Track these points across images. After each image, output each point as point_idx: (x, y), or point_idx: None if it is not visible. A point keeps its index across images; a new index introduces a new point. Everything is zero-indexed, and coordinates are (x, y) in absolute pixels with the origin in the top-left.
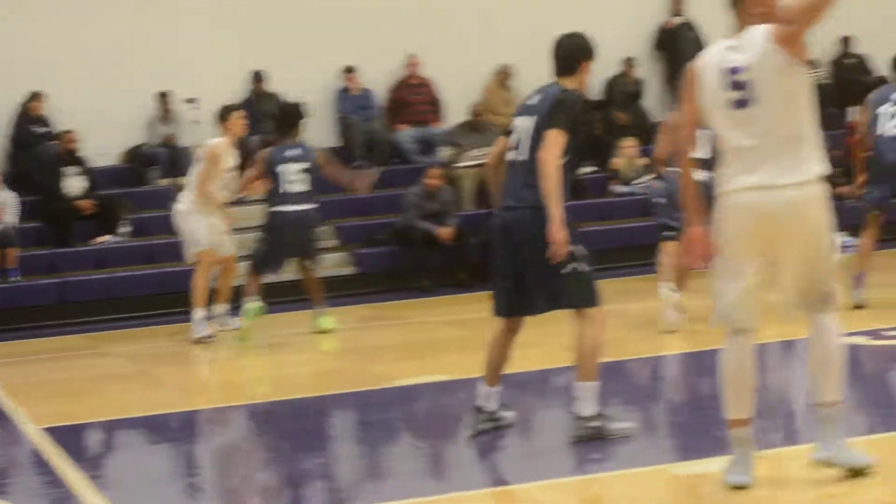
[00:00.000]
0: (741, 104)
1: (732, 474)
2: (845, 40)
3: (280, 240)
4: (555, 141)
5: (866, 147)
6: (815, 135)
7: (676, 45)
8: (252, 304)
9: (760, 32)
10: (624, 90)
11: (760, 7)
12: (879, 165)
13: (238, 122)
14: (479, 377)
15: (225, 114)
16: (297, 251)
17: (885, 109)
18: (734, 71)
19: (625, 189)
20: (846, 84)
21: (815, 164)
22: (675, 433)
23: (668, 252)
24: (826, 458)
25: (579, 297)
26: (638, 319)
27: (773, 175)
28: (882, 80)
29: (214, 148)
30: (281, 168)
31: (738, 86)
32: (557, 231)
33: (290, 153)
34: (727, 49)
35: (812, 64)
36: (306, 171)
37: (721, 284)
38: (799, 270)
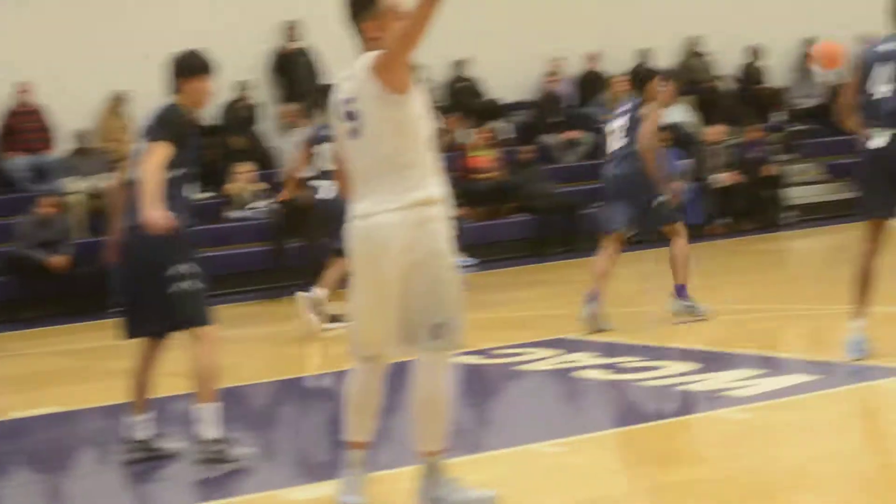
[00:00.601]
0: (354, 134)
1: (345, 495)
2: (459, 63)
3: None
4: (154, 151)
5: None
6: (425, 162)
7: (293, 70)
8: None
9: (364, 60)
10: (239, 115)
11: (379, 32)
12: (609, 181)
13: None
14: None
15: None
16: None
17: (611, 125)
18: (346, 101)
19: (239, 214)
20: (460, 107)
21: (419, 190)
22: (292, 458)
23: (332, 262)
24: None
25: (189, 316)
26: (255, 344)
27: (373, 203)
28: (493, 103)
29: None
30: None
31: (350, 116)
32: (150, 214)
33: None
34: (343, 79)
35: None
36: None
37: (352, 310)
38: (407, 299)
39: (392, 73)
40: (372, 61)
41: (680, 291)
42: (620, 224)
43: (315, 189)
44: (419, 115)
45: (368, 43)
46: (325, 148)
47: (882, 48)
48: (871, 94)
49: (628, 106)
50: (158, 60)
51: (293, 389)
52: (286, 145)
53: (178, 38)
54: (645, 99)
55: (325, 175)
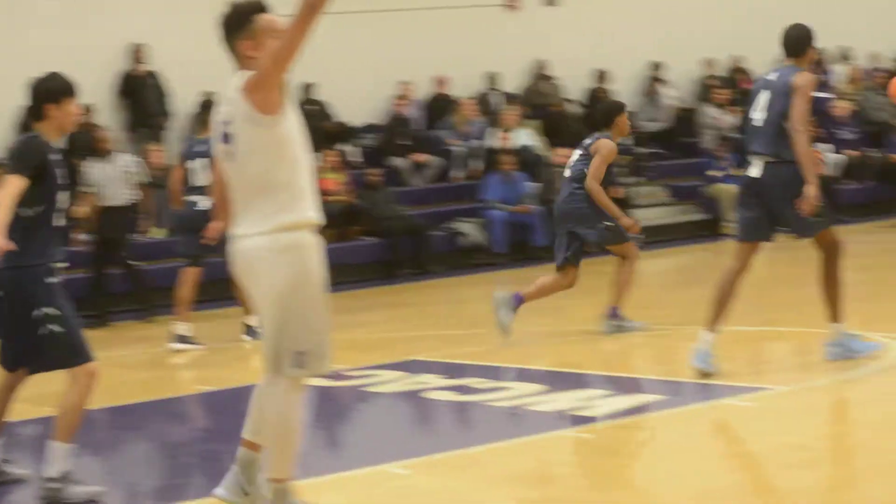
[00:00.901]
0: (229, 156)
1: (222, 487)
2: (307, 87)
3: None
4: (9, 183)
5: None
6: (298, 184)
7: (140, 93)
8: None
9: (237, 81)
10: (85, 139)
11: (254, 51)
12: (556, 213)
13: None
14: None
15: None
16: None
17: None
18: (223, 123)
19: (90, 238)
20: (310, 130)
21: (289, 213)
22: (144, 487)
23: (186, 280)
24: None
25: (58, 358)
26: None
27: (245, 225)
28: (343, 126)
29: None
30: None
31: (226, 138)
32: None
33: None
34: (222, 101)
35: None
36: None
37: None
38: (268, 324)
39: (263, 92)
40: (243, 81)
41: (613, 312)
42: (574, 251)
43: (194, 203)
44: (292, 137)
45: (244, 62)
46: (199, 163)
47: (770, 76)
48: (751, 120)
49: (588, 141)
50: (8, 86)
51: (150, 412)
52: (100, 172)
53: (21, 61)
54: (613, 134)
55: (198, 190)
